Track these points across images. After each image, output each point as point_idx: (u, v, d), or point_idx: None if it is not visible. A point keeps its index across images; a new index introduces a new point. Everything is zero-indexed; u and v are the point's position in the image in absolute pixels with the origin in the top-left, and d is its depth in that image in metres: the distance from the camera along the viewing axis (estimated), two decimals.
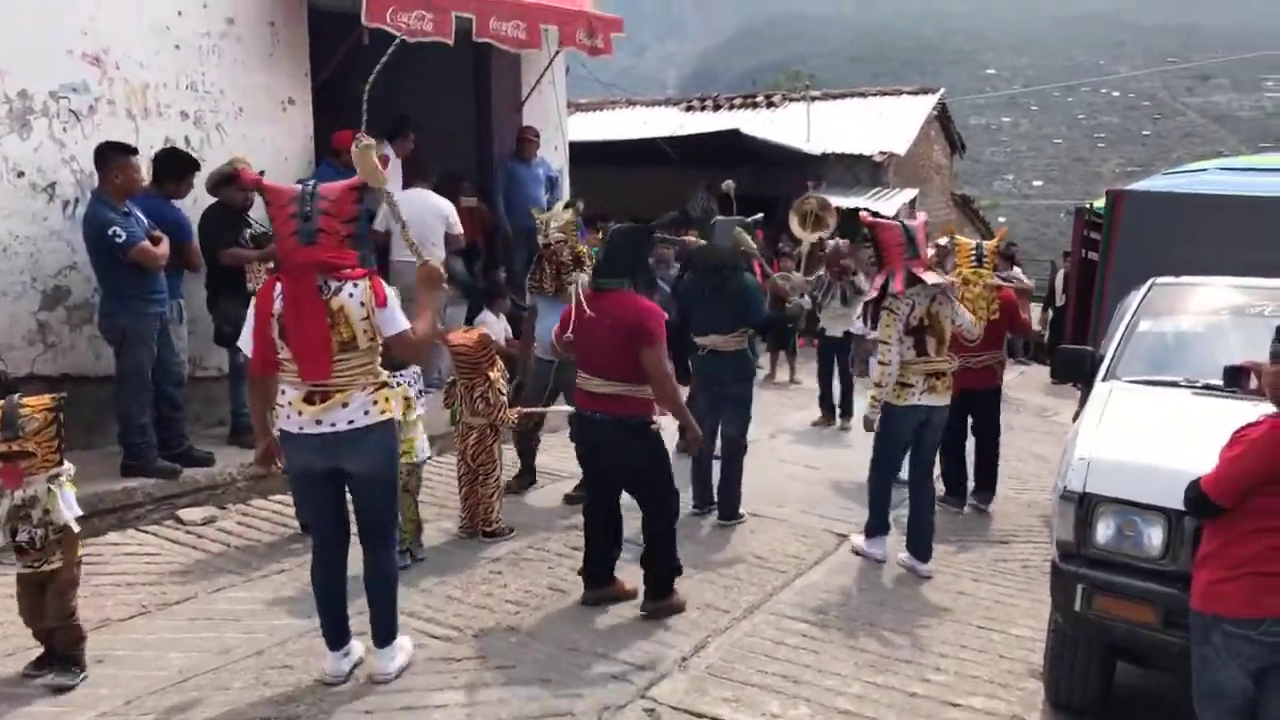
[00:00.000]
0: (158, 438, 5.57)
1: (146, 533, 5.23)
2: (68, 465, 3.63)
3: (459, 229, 7.64)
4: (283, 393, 3.52)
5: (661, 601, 4.53)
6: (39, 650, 3.73)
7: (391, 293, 3.54)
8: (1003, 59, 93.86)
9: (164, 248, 5.60)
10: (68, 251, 5.85)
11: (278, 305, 3.42)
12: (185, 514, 5.42)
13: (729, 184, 8.11)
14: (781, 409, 9.62)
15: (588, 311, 4.33)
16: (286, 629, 4.21)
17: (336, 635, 3.77)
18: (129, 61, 6.18)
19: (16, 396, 3.43)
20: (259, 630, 4.19)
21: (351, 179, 3.54)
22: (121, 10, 6.08)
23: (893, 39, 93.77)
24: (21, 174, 5.68)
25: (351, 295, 3.44)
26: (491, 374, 5.39)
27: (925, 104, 16.05)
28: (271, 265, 6.17)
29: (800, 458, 7.83)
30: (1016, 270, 12.85)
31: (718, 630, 4.41)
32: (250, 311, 3.51)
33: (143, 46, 6.24)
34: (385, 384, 3.60)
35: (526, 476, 6.50)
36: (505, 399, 5.48)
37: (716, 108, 16.46)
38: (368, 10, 6.84)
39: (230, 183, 6.02)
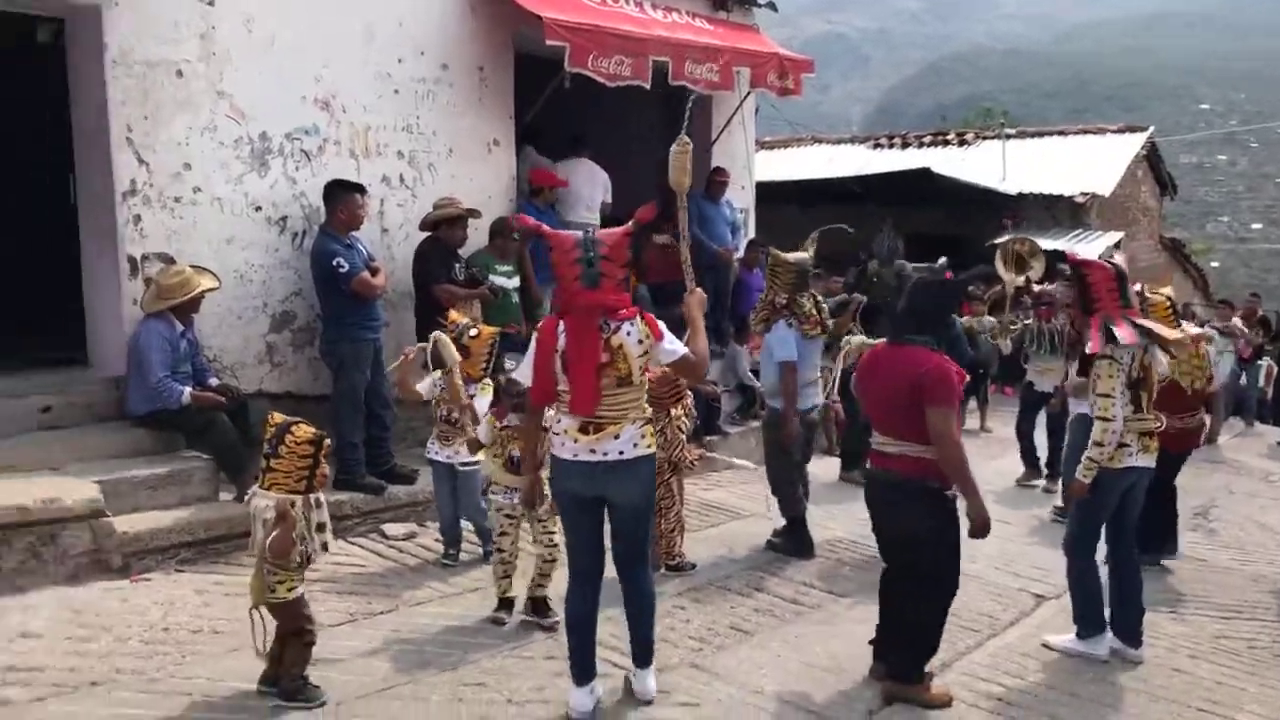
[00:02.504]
0: (365, 455, 5.93)
1: (353, 544, 5.56)
2: (315, 497, 3.75)
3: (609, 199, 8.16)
4: (558, 421, 3.76)
5: (909, 688, 4.12)
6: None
7: (663, 326, 3.77)
8: (1218, 93, 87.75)
9: (381, 278, 6.01)
10: (294, 279, 6.35)
11: (561, 341, 3.65)
12: (389, 528, 5.73)
13: (944, 261, 7.93)
14: (973, 459, 9.21)
15: (878, 365, 4.16)
16: (481, 648, 4.37)
17: (585, 668, 3.85)
18: (354, 105, 6.68)
19: (290, 421, 3.68)
20: (455, 647, 4.37)
21: (624, 227, 3.76)
22: (349, 59, 6.60)
23: (1093, 74, 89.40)
24: (259, 208, 6.23)
25: (629, 333, 3.67)
26: (674, 410, 5.43)
27: (1133, 143, 15.19)
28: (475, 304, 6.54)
29: (994, 512, 7.46)
30: (1236, 321, 11.91)
31: None
32: (532, 346, 3.77)
33: (366, 91, 6.74)
34: (650, 420, 3.82)
35: (793, 533, 6.03)
36: (684, 436, 5.50)
37: (905, 145, 16.15)
38: (570, 57, 7.14)
39: (449, 223, 6.43)
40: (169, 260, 5.70)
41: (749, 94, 9.01)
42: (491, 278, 6.80)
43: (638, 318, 3.72)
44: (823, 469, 8.11)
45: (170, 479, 5.20)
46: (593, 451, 3.69)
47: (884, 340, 4.26)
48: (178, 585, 4.78)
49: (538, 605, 4.67)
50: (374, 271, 6.03)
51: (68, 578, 4.58)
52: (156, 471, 5.18)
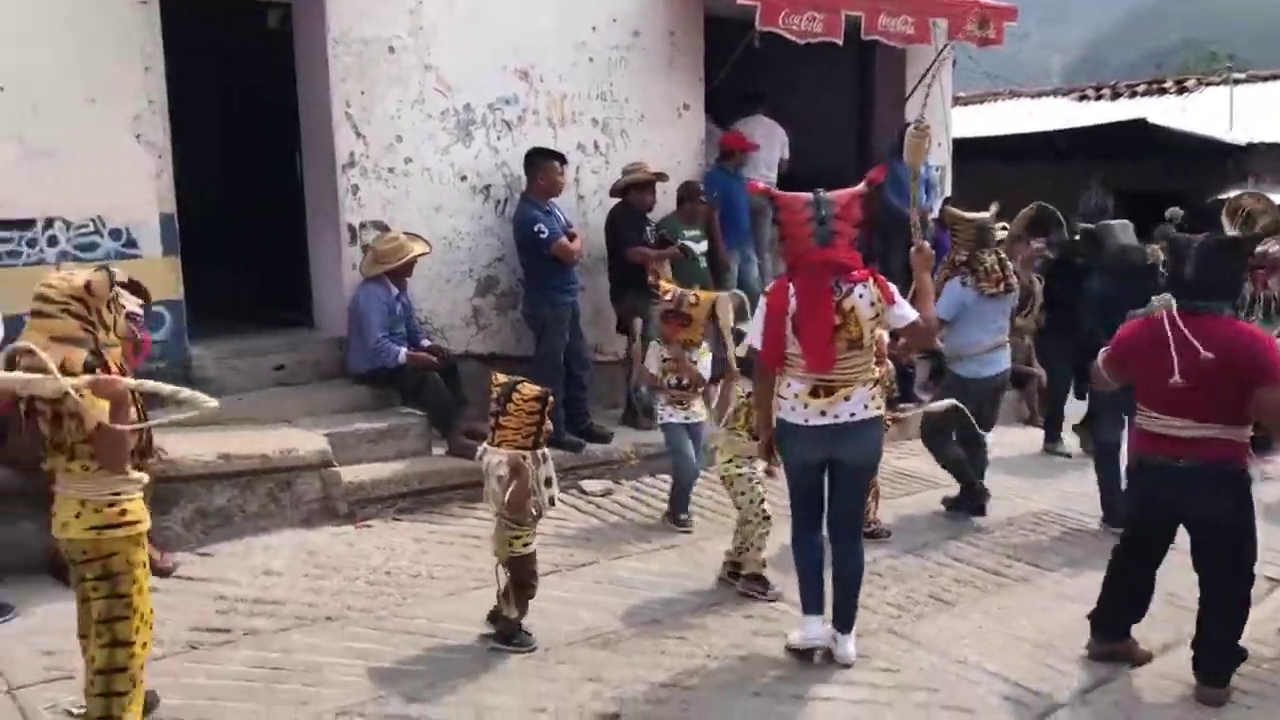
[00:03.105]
0: (565, 415, 6.13)
1: (543, 512, 5.76)
2: (542, 452, 3.87)
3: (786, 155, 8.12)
4: (788, 385, 3.77)
5: (1220, 690, 3.79)
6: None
7: (895, 289, 3.75)
8: None
9: (579, 243, 6.17)
10: (497, 246, 6.60)
11: (792, 304, 3.67)
12: (587, 485, 5.91)
13: (1174, 211, 7.28)
14: None
15: (1176, 338, 3.59)
16: (680, 603, 4.46)
17: (817, 599, 3.98)
18: (551, 75, 6.84)
19: (515, 380, 3.85)
20: (654, 601, 4.47)
21: (855, 187, 3.72)
22: (546, 29, 6.75)
23: None
24: (464, 178, 6.50)
25: (861, 296, 3.66)
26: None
27: None
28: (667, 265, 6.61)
29: None
30: None
31: (1122, 667, 4.03)
32: (760, 309, 3.82)
33: (562, 60, 6.88)
34: (879, 380, 3.83)
35: (968, 494, 5.83)
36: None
37: (1115, 96, 15.00)
38: (761, 15, 7.03)
39: (638, 187, 6.51)
40: (384, 228, 6.05)
41: (946, 46, 8.60)
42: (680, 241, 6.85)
43: (870, 280, 3.70)
44: (1026, 440, 7.77)
45: (388, 433, 5.55)
46: (823, 414, 3.71)
47: (1157, 309, 3.71)
48: (396, 532, 5.10)
49: (759, 577, 4.60)
50: (571, 237, 6.19)
51: (301, 521, 4.98)
52: (376, 426, 5.54)
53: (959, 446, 5.81)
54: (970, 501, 5.83)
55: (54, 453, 2.86)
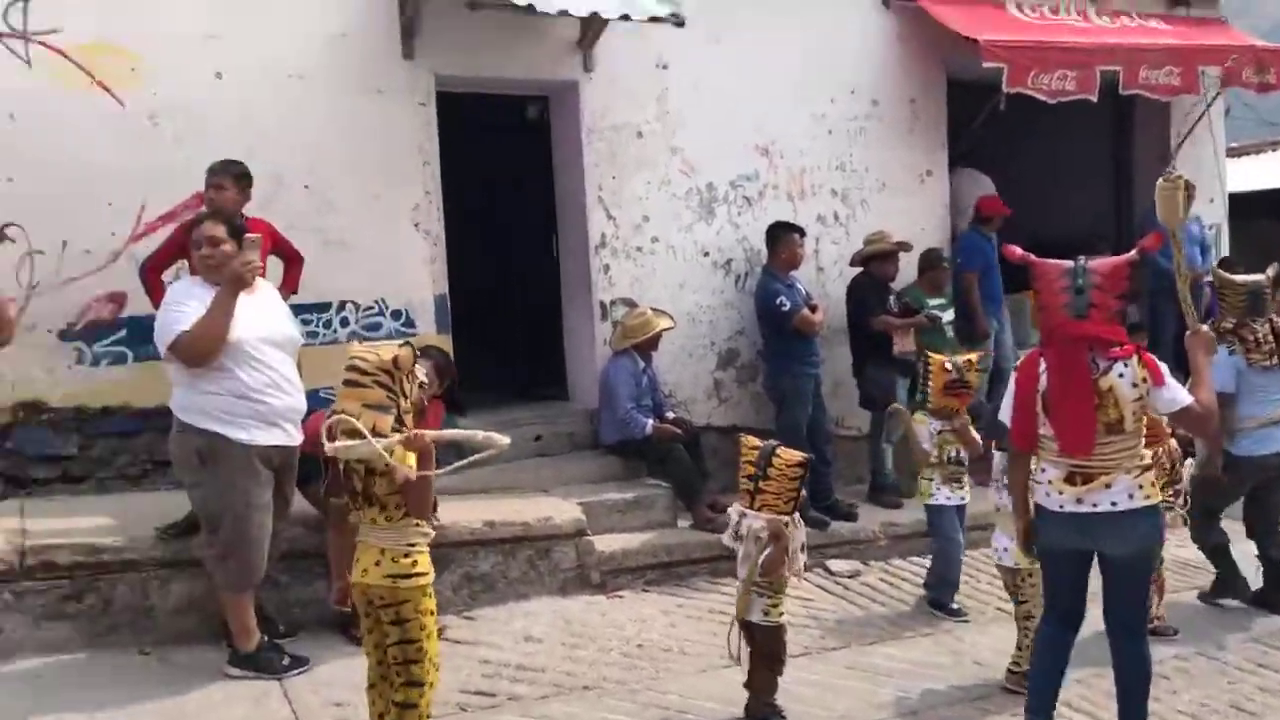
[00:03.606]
0: (808, 490, 6.02)
1: (801, 578, 5.64)
2: (796, 517, 3.87)
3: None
4: (1042, 470, 3.52)
5: None
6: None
7: (1165, 368, 3.42)
8: None
9: (820, 315, 6.13)
10: (738, 319, 6.67)
11: (1042, 381, 3.45)
12: (833, 565, 5.76)
13: None
14: None
15: None
16: (938, 695, 4.23)
17: (1042, 704, 3.65)
18: (790, 149, 6.91)
19: (773, 444, 3.87)
20: (912, 691, 4.26)
21: (1124, 255, 3.50)
22: (786, 105, 6.83)
23: None
24: (706, 254, 6.63)
25: (1122, 375, 3.37)
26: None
27: None
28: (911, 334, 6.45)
29: None
30: None
31: None
32: (1011, 385, 3.63)
33: (801, 134, 6.93)
34: (1149, 467, 3.48)
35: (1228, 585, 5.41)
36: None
37: None
38: (1009, 77, 6.84)
39: (880, 258, 6.43)
40: (631, 304, 6.26)
41: (1217, 95, 8.01)
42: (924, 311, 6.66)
43: (1134, 357, 3.38)
44: None
45: (636, 504, 5.66)
46: (1080, 502, 3.40)
47: None
48: (646, 604, 5.16)
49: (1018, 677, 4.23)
50: (813, 309, 6.17)
51: (558, 589, 5.13)
52: (625, 496, 5.67)
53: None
54: (1226, 585, 5.36)
55: (365, 505, 3.11)
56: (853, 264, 6.78)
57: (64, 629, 4.21)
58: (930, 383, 4.99)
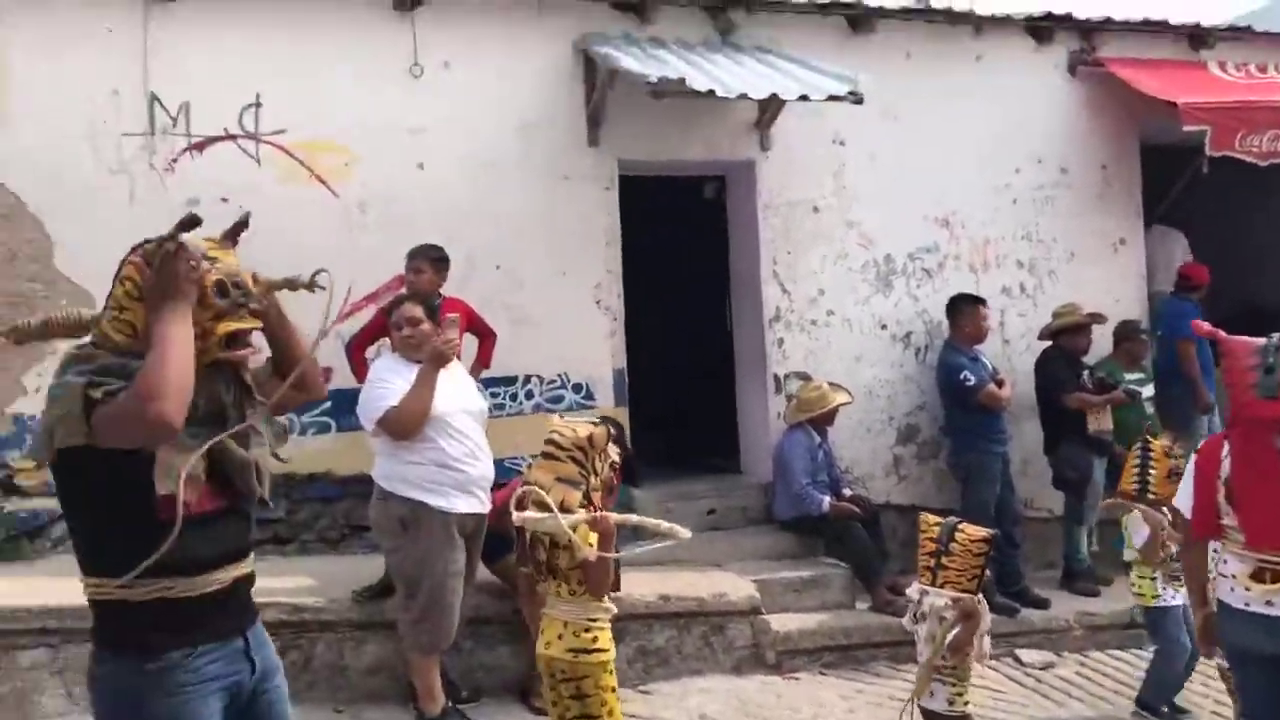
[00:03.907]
0: (996, 574, 5.73)
1: (988, 666, 5.35)
2: (970, 598, 3.66)
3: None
4: (1225, 563, 3.27)
5: None
6: None
7: None
8: None
9: (1007, 390, 5.90)
10: (917, 393, 6.50)
11: (1225, 465, 3.21)
12: (1024, 655, 5.44)
13: None
14: None
15: None
16: None
17: None
18: (972, 220, 6.75)
19: (955, 520, 3.72)
20: None
21: None
22: (967, 176, 6.71)
23: None
24: (884, 326, 6.53)
25: None
26: None
27: None
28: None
29: None
30: None
31: None
32: (1190, 468, 3.43)
33: (984, 205, 6.77)
34: None
35: None
36: None
37: None
38: (1213, 140, 6.48)
39: (1071, 330, 6.17)
40: (806, 378, 6.22)
41: None
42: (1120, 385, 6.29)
43: None
44: None
45: (812, 583, 5.54)
46: (1270, 604, 3.07)
47: None
48: (823, 687, 5.02)
49: None
50: (1000, 384, 5.94)
51: (732, 668, 5.07)
52: (801, 575, 5.57)
53: None
54: None
55: (549, 577, 3.21)
56: (1041, 338, 6.51)
57: None
58: (1153, 469, 4.64)
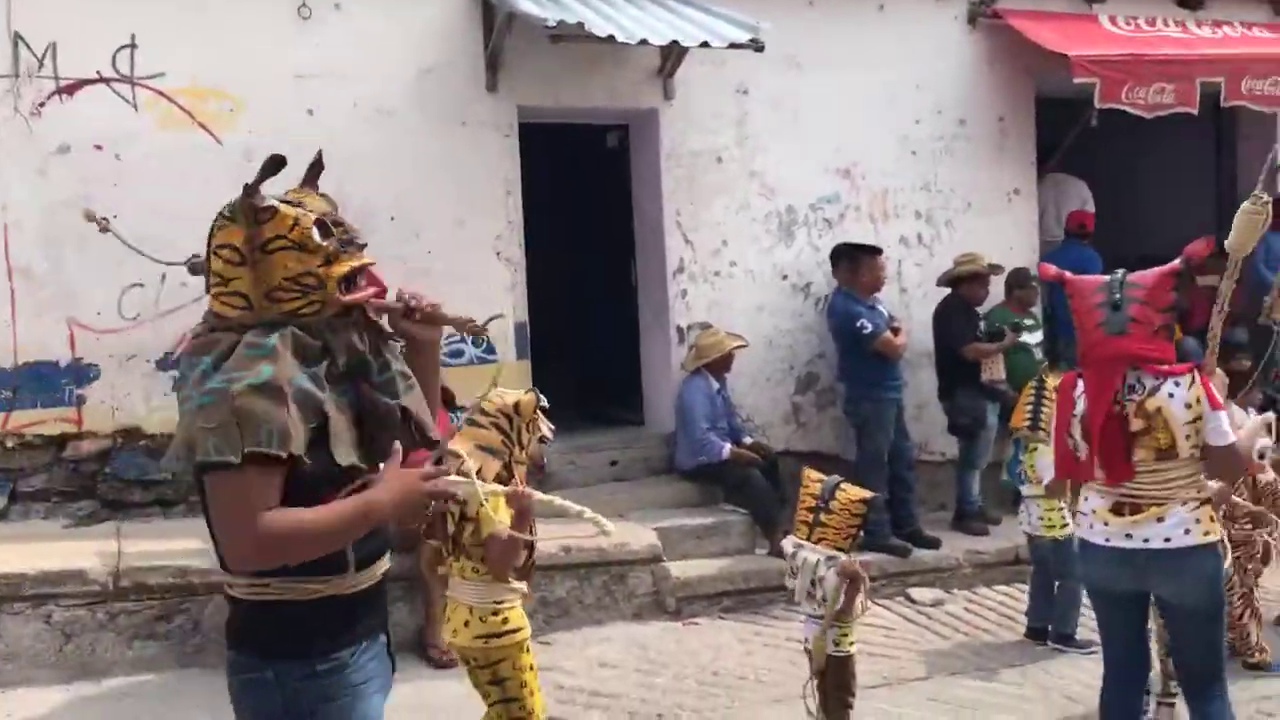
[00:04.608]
0: (890, 517, 5.91)
1: (881, 606, 5.52)
2: (851, 561, 3.73)
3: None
4: (1085, 499, 3.29)
5: None
6: None
7: (1222, 396, 3.18)
8: None
9: (903, 338, 6.03)
10: (817, 342, 6.60)
11: (1080, 404, 3.22)
12: (915, 593, 5.64)
13: None
14: None
15: None
16: None
17: None
18: (873, 171, 6.83)
19: (837, 479, 3.77)
20: None
21: (1168, 265, 3.23)
22: (869, 126, 6.76)
23: None
24: (785, 277, 6.60)
25: (1173, 395, 3.09)
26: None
27: None
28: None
29: None
30: None
31: None
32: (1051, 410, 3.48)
33: (884, 156, 6.85)
34: (1208, 500, 3.19)
35: None
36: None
37: None
38: (1101, 92, 6.63)
39: (970, 280, 6.30)
40: (707, 327, 6.26)
41: None
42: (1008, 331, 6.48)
43: (1188, 376, 3.09)
44: None
45: (713, 530, 5.65)
46: (1129, 536, 3.11)
47: None
48: (721, 631, 5.13)
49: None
50: (895, 331, 6.07)
51: (632, 615, 5.15)
52: (701, 522, 5.66)
53: None
54: None
55: (456, 553, 3.07)
56: (940, 283, 6.64)
57: (155, 648, 4.40)
58: (1046, 406, 4.81)
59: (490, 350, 5.78)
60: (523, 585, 3.14)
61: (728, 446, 5.80)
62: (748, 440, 6.07)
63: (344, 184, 5.16)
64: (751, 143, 6.47)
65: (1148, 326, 3.10)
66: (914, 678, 4.63)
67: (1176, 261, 3.24)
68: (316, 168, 1.97)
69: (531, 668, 3.13)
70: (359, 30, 5.58)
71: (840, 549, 3.69)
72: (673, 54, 6.01)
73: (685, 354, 6.23)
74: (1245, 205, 3.41)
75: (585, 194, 7.36)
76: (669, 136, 6.28)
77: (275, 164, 1.81)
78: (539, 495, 2.87)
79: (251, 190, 1.80)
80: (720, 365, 5.99)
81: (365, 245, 1.94)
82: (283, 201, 1.84)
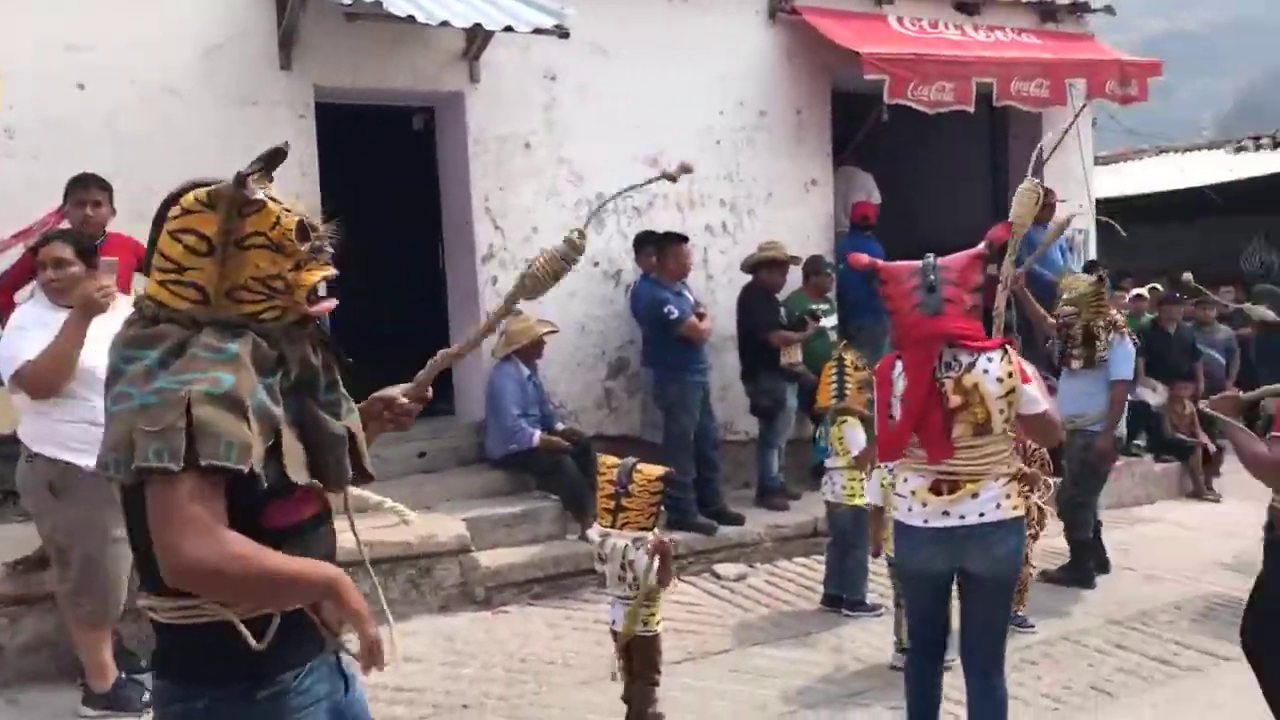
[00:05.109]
0: (696, 496, 6.10)
1: (687, 582, 5.71)
2: (659, 537, 3.81)
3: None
4: (904, 481, 3.32)
5: None
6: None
7: (1032, 369, 3.32)
8: None
9: (708, 323, 6.21)
10: (627, 328, 6.71)
11: (899, 384, 3.25)
12: (720, 569, 5.84)
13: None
14: None
15: None
16: (819, 693, 4.32)
17: None
18: (679, 159, 6.91)
19: (633, 461, 3.83)
20: (792, 691, 4.35)
21: (974, 249, 3.37)
22: (675, 116, 6.89)
23: None
24: (596, 264, 6.66)
25: (987, 371, 3.17)
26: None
27: None
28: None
29: None
30: None
31: None
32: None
33: (690, 145, 6.96)
34: (1017, 475, 3.29)
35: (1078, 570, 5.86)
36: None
37: (1276, 145, 14.17)
38: (889, 88, 7.03)
39: (770, 266, 6.54)
40: (517, 314, 6.24)
41: (1084, 106, 8.37)
42: (810, 318, 6.80)
43: (1000, 351, 3.20)
44: (1196, 516, 7.28)
45: (523, 518, 5.65)
46: (946, 514, 3.19)
47: None
48: (531, 619, 5.15)
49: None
50: (701, 317, 6.24)
51: (440, 607, 5.09)
52: (512, 510, 5.66)
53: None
54: (1081, 574, 5.80)
55: None
56: (744, 268, 6.87)
57: None
58: (849, 380, 5.12)
59: None
60: None
61: (537, 433, 5.82)
62: (560, 426, 6.11)
63: (121, 167, 4.86)
64: (560, 129, 6.48)
65: (961, 306, 3.20)
66: (717, 650, 4.79)
67: (981, 245, 3.44)
68: (278, 157, 1.76)
69: None
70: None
71: (646, 529, 3.77)
72: (478, 37, 5.93)
73: (495, 341, 6.19)
74: (1024, 184, 3.72)
75: (391, 178, 7.16)
76: (476, 121, 6.21)
77: (276, 155, 1.71)
78: (355, 491, 2.84)
79: (244, 180, 1.66)
80: (530, 351, 5.99)
81: (333, 254, 1.83)
82: (269, 197, 1.71)
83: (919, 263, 3.28)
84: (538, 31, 5.71)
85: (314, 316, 1.79)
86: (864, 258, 3.79)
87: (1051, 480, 5.22)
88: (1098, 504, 5.95)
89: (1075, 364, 5.76)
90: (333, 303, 1.84)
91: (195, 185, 1.70)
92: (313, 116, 5.75)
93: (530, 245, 6.36)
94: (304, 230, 1.74)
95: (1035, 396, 3.24)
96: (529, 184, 6.39)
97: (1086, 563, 5.81)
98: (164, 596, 1.68)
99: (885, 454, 3.50)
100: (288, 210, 1.73)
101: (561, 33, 5.79)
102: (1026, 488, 4.96)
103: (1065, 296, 5.85)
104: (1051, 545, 6.28)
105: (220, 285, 1.68)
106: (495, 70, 6.25)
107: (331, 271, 1.81)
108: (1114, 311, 5.87)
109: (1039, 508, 5.14)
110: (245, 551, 1.59)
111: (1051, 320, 6.02)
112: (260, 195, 1.69)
